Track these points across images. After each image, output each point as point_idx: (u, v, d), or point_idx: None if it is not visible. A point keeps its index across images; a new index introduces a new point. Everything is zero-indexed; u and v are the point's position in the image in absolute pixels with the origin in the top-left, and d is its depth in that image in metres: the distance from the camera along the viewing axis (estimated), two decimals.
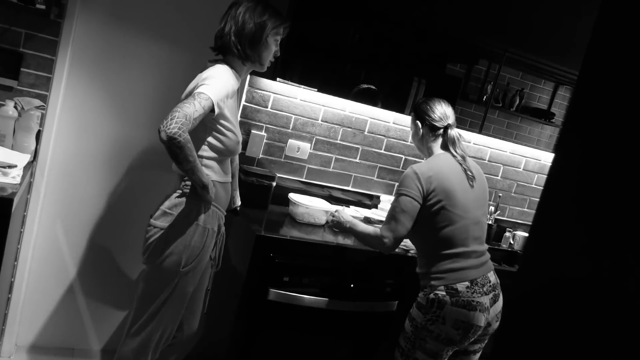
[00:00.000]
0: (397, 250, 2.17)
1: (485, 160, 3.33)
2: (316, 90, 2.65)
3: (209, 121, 1.94)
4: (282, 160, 2.84)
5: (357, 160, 3.00)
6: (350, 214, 2.56)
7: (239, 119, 2.57)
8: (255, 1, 2.04)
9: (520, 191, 3.51)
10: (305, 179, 2.90)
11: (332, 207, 2.56)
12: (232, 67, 2.03)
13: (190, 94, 1.88)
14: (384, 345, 2.46)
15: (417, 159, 3.05)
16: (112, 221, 2.69)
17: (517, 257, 3.21)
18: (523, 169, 3.47)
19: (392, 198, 2.28)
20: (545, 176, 0.87)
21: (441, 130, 2.23)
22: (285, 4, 2.43)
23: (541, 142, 3.33)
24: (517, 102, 3.18)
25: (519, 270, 0.88)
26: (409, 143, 3.06)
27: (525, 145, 3.29)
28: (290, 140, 2.83)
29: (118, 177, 2.67)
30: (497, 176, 3.40)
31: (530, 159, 3.47)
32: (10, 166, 2.00)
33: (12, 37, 2.30)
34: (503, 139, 3.21)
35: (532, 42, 3.01)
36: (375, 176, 3.06)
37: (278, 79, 2.55)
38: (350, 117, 2.92)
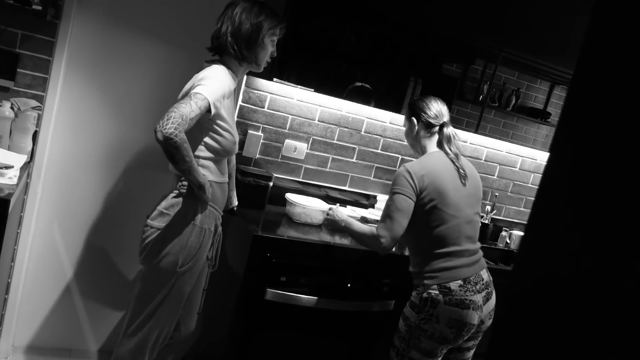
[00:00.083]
0: (392, 249, 2.16)
1: (481, 159, 3.34)
2: (313, 90, 2.66)
3: (205, 121, 1.94)
4: (279, 160, 2.85)
5: (354, 160, 3.01)
6: (347, 213, 2.56)
7: (235, 119, 2.58)
8: (251, 2, 2.05)
9: (516, 190, 3.52)
10: (302, 179, 2.91)
11: (328, 207, 2.56)
12: (228, 67, 2.03)
13: (187, 94, 1.88)
14: (381, 345, 2.46)
15: (413, 159, 3.05)
16: (109, 221, 2.69)
17: (513, 256, 3.22)
18: (519, 169, 3.49)
19: None
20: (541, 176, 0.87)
21: (437, 128, 2.23)
22: (281, 5, 2.43)
23: (537, 141, 3.34)
24: (513, 101, 3.19)
25: (514, 269, 0.89)
26: (405, 143, 3.07)
27: (521, 144, 3.30)
28: (287, 141, 2.83)
29: (115, 178, 2.67)
30: (494, 176, 3.41)
31: (527, 158, 3.48)
32: (7, 167, 2.00)
33: (9, 38, 2.30)
34: (499, 139, 3.22)
35: (528, 42, 3.02)
36: (372, 176, 3.07)
37: (275, 79, 2.55)
38: (347, 117, 2.93)
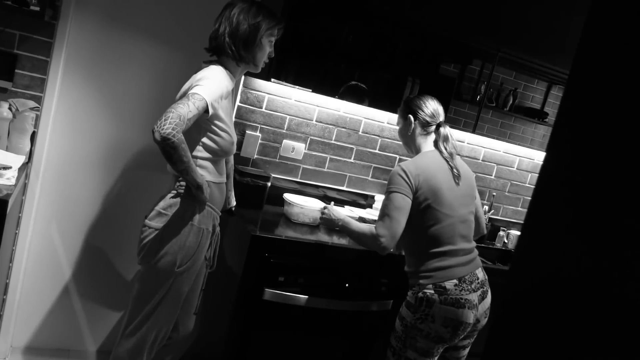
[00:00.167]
0: (392, 249, 2.15)
1: (479, 159, 3.35)
2: (311, 90, 2.66)
3: (203, 122, 1.95)
4: (277, 160, 2.85)
5: (352, 160, 3.01)
6: (345, 213, 2.57)
7: (233, 119, 2.58)
8: (249, 2, 2.05)
9: (514, 190, 3.53)
10: (300, 179, 2.91)
11: (322, 205, 2.54)
12: (226, 68, 2.04)
13: (185, 94, 1.89)
14: (379, 344, 2.47)
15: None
16: (107, 222, 2.69)
17: (511, 256, 3.23)
18: (517, 168, 3.49)
19: None
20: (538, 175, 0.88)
21: (433, 127, 2.23)
22: (279, 5, 2.44)
23: (535, 141, 3.35)
24: (511, 101, 3.20)
25: (511, 268, 0.89)
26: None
27: (518, 144, 3.31)
28: (284, 141, 2.83)
29: (113, 178, 2.67)
30: (491, 175, 3.42)
31: (524, 158, 3.49)
32: (5, 167, 2.00)
33: (6, 39, 2.30)
34: (497, 139, 3.23)
35: (525, 42, 3.03)
36: (370, 176, 3.07)
37: (272, 79, 2.55)
38: (345, 117, 2.93)
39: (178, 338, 2.23)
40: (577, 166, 0.79)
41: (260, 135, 2.78)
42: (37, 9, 2.16)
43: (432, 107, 2.23)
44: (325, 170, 2.96)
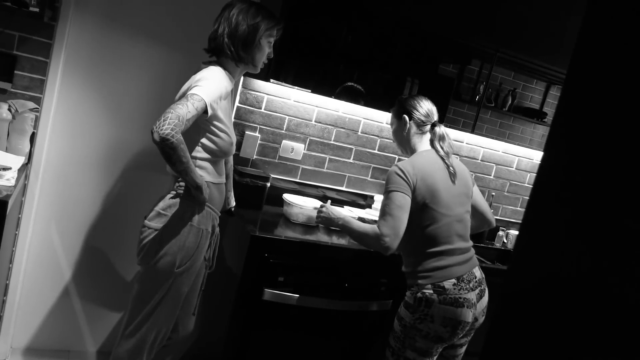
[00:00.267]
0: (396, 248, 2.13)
1: (478, 159, 3.35)
2: (310, 91, 2.66)
3: (202, 122, 1.95)
4: (276, 161, 2.85)
5: (351, 160, 3.02)
6: (344, 213, 2.56)
7: (232, 120, 2.58)
8: (248, 3, 2.06)
9: (513, 190, 3.53)
10: (299, 179, 2.92)
11: (318, 204, 2.52)
12: (225, 68, 2.04)
13: (184, 95, 1.89)
14: (378, 344, 2.47)
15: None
16: (106, 223, 2.70)
17: (510, 255, 3.23)
18: (516, 168, 3.50)
19: None
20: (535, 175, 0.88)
21: (428, 127, 2.23)
22: (278, 6, 2.44)
23: (534, 141, 3.36)
24: (510, 102, 3.20)
25: (509, 268, 0.90)
26: None
27: (517, 144, 3.32)
28: (284, 141, 2.84)
29: (112, 179, 2.67)
30: (490, 175, 3.42)
31: (523, 158, 3.49)
32: (5, 168, 2.00)
33: (6, 40, 2.30)
34: (496, 139, 3.24)
35: (523, 42, 3.03)
36: (369, 176, 3.08)
37: (271, 80, 2.56)
38: (344, 117, 2.94)
39: (178, 338, 2.24)
40: (575, 166, 0.79)
41: (259, 135, 2.78)
42: (37, 10, 2.16)
43: (426, 106, 2.23)
44: (325, 170, 2.97)
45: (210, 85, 1.91)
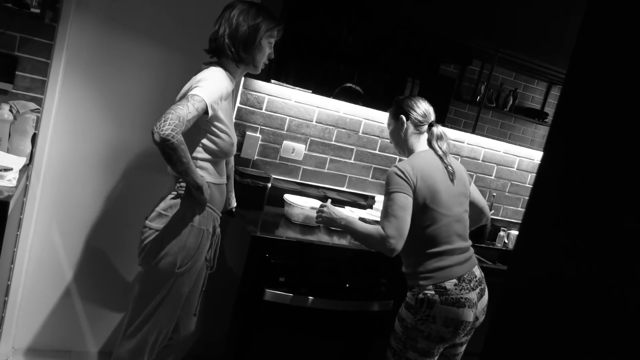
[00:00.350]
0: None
1: (479, 160, 3.35)
2: (311, 91, 2.67)
3: (203, 123, 1.95)
4: (277, 161, 2.86)
5: (352, 161, 3.02)
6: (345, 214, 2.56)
7: (233, 120, 2.58)
8: (249, 4, 2.06)
9: (514, 190, 3.53)
10: (300, 180, 2.92)
11: (319, 205, 2.49)
12: (226, 69, 2.04)
13: (184, 96, 1.89)
14: (379, 344, 2.47)
15: None
16: (108, 223, 2.70)
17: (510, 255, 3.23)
18: (517, 169, 3.50)
19: None
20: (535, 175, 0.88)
21: (425, 127, 2.23)
22: (278, 7, 2.45)
23: (535, 141, 3.36)
24: (511, 102, 3.20)
25: (509, 268, 0.90)
26: None
27: (519, 145, 3.32)
28: (285, 142, 2.84)
29: (113, 180, 2.67)
30: (491, 176, 3.42)
31: (524, 158, 3.49)
32: (6, 169, 2.01)
33: (7, 41, 2.31)
34: (497, 139, 3.23)
35: (524, 43, 3.03)
36: (370, 177, 3.08)
37: (272, 80, 2.56)
38: (345, 118, 2.94)
39: (179, 339, 2.24)
40: (575, 166, 0.80)
41: (260, 136, 2.79)
42: (38, 11, 2.17)
43: (423, 107, 2.23)
44: (326, 171, 2.97)
45: (210, 85, 1.91)
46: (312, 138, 2.90)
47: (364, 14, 2.68)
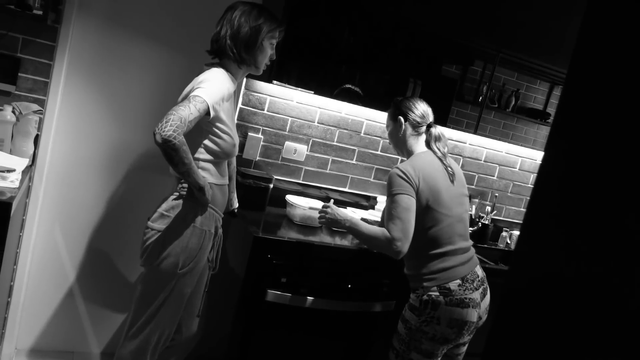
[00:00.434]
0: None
1: (481, 160, 3.35)
2: (313, 92, 2.67)
3: (205, 124, 1.95)
4: (279, 162, 2.86)
5: (354, 161, 3.02)
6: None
7: (235, 121, 2.59)
8: (250, 5, 2.06)
9: (516, 191, 3.52)
10: (302, 180, 2.92)
11: (321, 205, 2.47)
12: (228, 70, 2.05)
13: (186, 97, 1.90)
14: (380, 345, 2.47)
15: None
16: (110, 224, 2.70)
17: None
18: (519, 169, 3.49)
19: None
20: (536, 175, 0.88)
21: (424, 128, 2.23)
22: (280, 8, 2.45)
23: (537, 142, 3.35)
24: (513, 102, 3.20)
25: (510, 269, 0.90)
26: None
27: (521, 145, 3.31)
28: (286, 143, 2.84)
29: (116, 181, 2.68)
30: (493, 176, 3.42)
31: (526, 159, 3.49)
32: (9, 170, 2.01)
33: (10, 43, 2.31)
34: (499, 140, 3.23)
35: (525, 43, 3.03)
36: (372, 177, 3.08)
37: (274, 81, 2.56)
38: (347, 118, 2.94)
39: (181, 340, 2.24)
40: (576, 166, 0.80)
41: (262, 137, 2.79)
42: (40, 12, 2.17)
43: (421, 108, 2.23)
44: (328, 171, 2.97)
45: (212, 86, 1.91)
46: (314, 139, 2.90)
47: (365, 15, 2.69)
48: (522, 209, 3.58)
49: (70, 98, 2.51)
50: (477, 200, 3.33)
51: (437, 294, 2.06)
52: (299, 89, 2.65)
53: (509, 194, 3.50)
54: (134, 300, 2.08)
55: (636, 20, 0.74)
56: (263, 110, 2.77)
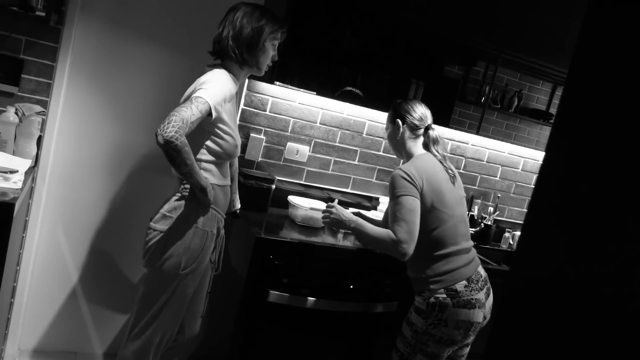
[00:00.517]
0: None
1: (483, 161, 3.34)
2: (315, 93, 2.67)
3: (207, 125, 1.96)
4: (281, 163, 2.86)
5: (356, 162, 3.02)
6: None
7: (237, 122, 2.59)
8: (252, 6, 2.07)
9: (519, 192, 3.52)
10: (304, 181, 2.92)
11: (323, 206, 2.45)
12: (230, 71, 2.05)
13: (188, 98, 1.90)
14: (382, 345, 2.47)
15: None
16: (112, 225, 2.71)
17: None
18: (521, 170, 3.49)
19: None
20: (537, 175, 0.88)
21: (422, 130, 2.23)
22: (282, 9, 2.45)
23: (540, 142, 3.34)
24: (516, 103, 3.20)
25: (511, 270, 0.90)
26: None
27: (524, 146, 3.31)
28: (289, 143, 2.84)
29: (118, 182, 2.68)
30: (496, 177, 3.41)
31: (529, 159, 3.48)
32: (12, 171, 2.02)
33: (13, 44, 2.32)
34: (502, 140, 3.23)
35: (527, 43, 3.03)
36: (374, 178, 3.08)
37: (276, 82, 2.56)
38: (349, 119, 2.94)
39: (184, 340, 2.24)
40: (576, 167, 0.80)
41: (264, 138, 2.79)
42: (43, 14, 2.18)
43: (419, 111, 2.23)
44: (330, 172, 2.97)
45: (214, 87, 1.92)
46: (316, 139, 2.90)
47: (367, 15, 2.69)
48: (524, 210, 3.57)
49: (73, 99, 2.52)
50: (479, 201, 3.33)
51: (445, 296, 2.05)
52: (301, 89, 2.65)
53: (511, 195, 3.50)
54: (137, 301, 2.08)
55: (636, 20, 0.74)
56: (265, 111, 2.77)
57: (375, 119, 2.99)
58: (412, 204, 2.03)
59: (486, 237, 3.26)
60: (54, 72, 2.41)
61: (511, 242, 3.36)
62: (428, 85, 2.87)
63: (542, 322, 0.80)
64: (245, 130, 2.74)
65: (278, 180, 2.82)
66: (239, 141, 2.10)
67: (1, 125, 2.20)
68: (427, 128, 2.23)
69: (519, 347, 0.85)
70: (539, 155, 3.49)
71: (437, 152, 2.21)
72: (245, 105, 2.72)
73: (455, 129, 3.04)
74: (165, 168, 2.20)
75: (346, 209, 2.87)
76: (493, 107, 3.12)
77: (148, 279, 2.05)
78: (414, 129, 2.22)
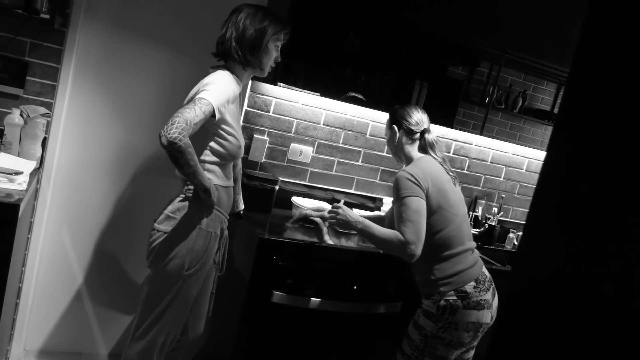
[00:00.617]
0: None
1: (487, 161, 3.34)
2: (319, 94, 2.67)
3: (210, 126, 1.96)
4: (285, 164, 2.86)
5: (360, 163, 3.02)
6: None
7: (241, 123, 2.60)
8: (255, 7, 2.07)
9: (523, 192, 3.51)
10: (308, 182, 2.92)
11: (328, 206, 2.42)
12: (233, 72, 2.05)
13: (192, 99, 1.91)
14: (386, 345, 2.47)
15: None
16: (117, 226, 2.72)
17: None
18: (526, 170, 3.48)
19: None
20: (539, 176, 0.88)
21: (418, 135, 2.24)
22: (285, 10, 2.46)
23: (545, 143, 3.34)
24: (520, 103, 3.19)
25: (513, 270, 0.90)
26: None
27: (529, 146, 3.30)
28: (292, 144, 2.85)
29: (123, 183, 2.70)
30: (500, 177, 3.41)
31: (533, 160, 3.47)
32: (17, 173, 2.03)
33: (18, 47, 2.34)
34: (507, 141, 3.22)
35: (532, 43, 3.02)
36: (378, 179, 3.08)
37: (279, 83, 2.57)
38: (352, 120, 2.94)
39: (187, 341, 2.25)
40: (577, 167, 0.80)
41: (267, 139, 2.80)
42: (47, 17, 2.19)
43: (416, 116, 2.23)
44: (333, 173, 2.97)
45: (217, 89, 1.92)
46: (320, 140, 2.90)
47: (370, 16, 2.69)
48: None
49: (78, 101, 2.53)
50: (483, 201, 3.33)
51: (455, 298, 2.04)
52: (305, 91, 2.65)
53: (515, 195, 3.49)
54: (141, 302, 2.09)
55: (636, 20, 0.74)
56: (268, 112, 2.77)
57: (379, 119, 2.99)
58: (418, 205, 2.03)
59: (490, 237, 3.26)
60: (59, 74, 2.42)
61: (515, 243, 3.35)
62: (432, 86, 2.87)
63: (543, 320, 0.80)
64: (248, 131, 2.75)
65: (281, 181, 2.82)
66: (242, 142, 2.11)
67: (6, 127, 2.21)
68: (424, 132, 2.23)
69: (522, 346, 0.85)
70: (543, 156, 3.47)
71: (436, 154, 2.22)
72: (248, 106, 2.73)
73: (460, 129, 3.03)
74: (169, 169, 2.20)
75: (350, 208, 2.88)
76: (497, 108, 3.12)
77: (152, 279, 2.06)
78: (410, 133, 2.22)
